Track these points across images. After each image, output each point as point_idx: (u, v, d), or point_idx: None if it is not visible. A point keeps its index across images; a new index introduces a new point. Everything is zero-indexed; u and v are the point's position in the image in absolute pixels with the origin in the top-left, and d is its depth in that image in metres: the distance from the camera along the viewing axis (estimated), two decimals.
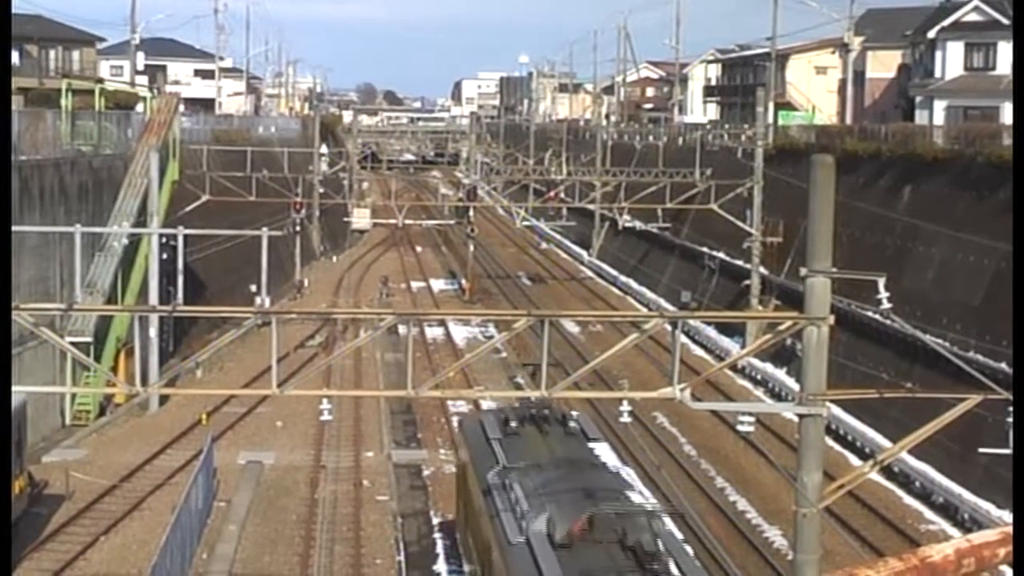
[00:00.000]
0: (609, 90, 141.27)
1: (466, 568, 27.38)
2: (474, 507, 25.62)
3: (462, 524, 28.48)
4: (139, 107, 64.89)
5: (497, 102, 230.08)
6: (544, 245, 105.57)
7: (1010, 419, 17.30)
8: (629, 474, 25.79)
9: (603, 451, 26.45)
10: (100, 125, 55.13)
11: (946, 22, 73.97)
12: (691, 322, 58.66)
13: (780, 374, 52.63)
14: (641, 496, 22.77)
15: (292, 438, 44.34)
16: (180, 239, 49.15)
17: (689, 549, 21.26)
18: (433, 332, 63.91)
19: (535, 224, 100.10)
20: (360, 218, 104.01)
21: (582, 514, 20.19)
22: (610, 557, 19.14)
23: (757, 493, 38.95)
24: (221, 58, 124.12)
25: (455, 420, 37.93)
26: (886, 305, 17.29)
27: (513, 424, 26.48)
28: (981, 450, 32.69)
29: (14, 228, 37.82)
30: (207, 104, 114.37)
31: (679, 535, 21.08)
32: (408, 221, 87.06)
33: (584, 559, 19.43)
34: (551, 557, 19.58)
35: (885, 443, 39.85)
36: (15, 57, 67.72)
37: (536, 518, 20.93)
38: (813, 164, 17.25)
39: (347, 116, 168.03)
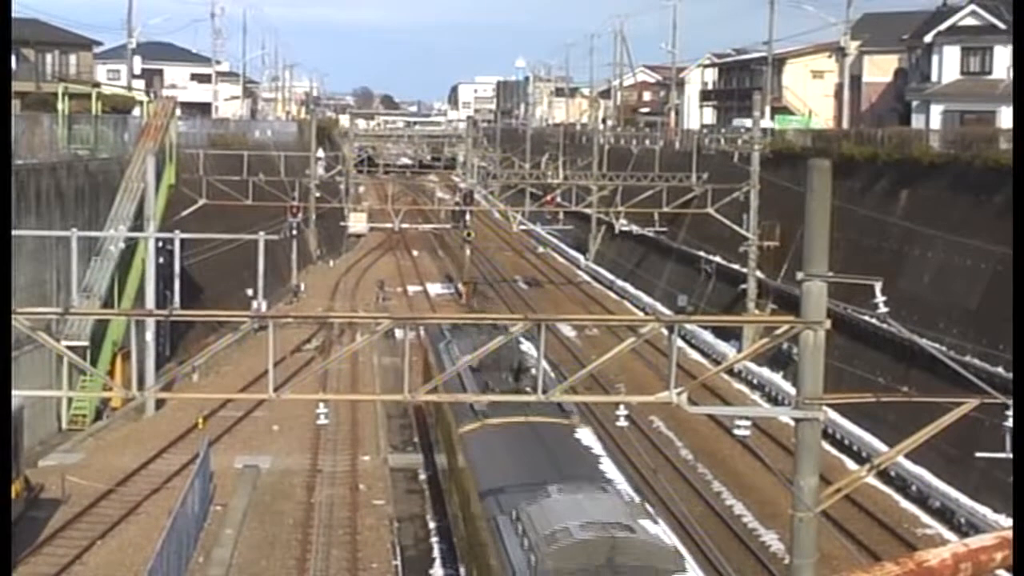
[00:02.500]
0: (606, 94, 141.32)
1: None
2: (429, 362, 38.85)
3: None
4: (136, 111, 64.85)
5: (494, 106, 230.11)
6: (541, 249, 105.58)
7: (1008, 423, 17.31)
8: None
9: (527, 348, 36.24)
10: (97, 129, 55.13)
11: (943, 26, 74.04)
12: (688, 326, 58.61)
13: (777, 378, 52.64)
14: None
15: (289, 442, 44.32)
16: (177, 243, 49.12)
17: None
18: None
19: (532, 228, 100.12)
20: (357, 222, 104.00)
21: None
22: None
23: (754, 497, 38.94)
24: (218, 62, 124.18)
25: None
26: (883, 309, 17.31)
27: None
28: (978, 454, 32.66)
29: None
30: (204, 108, 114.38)
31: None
32: (405, 225, 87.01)
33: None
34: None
35: (882, 447, 39.86)
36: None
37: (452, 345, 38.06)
38: (810, 168, 17.26)
39: (344, 120, 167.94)
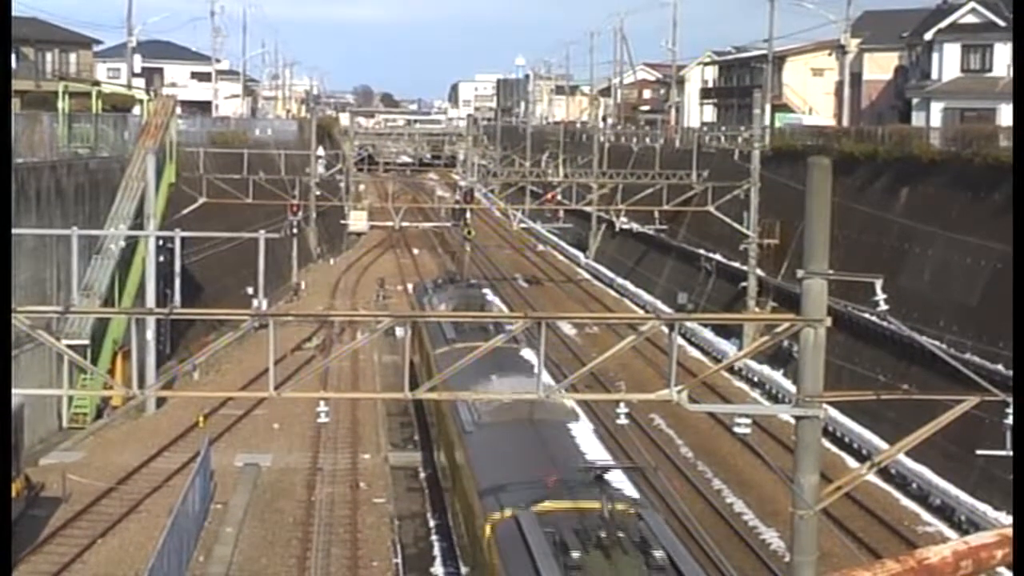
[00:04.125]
0: (606, 92, 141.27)
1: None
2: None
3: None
4: (136, 110, 64.82)
5: (494, 104, 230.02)
6: (541, 247, 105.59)
7: (1008, 420, 17.31)
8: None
9: (491, 297, 49.68)
10: (97, 128, 55.11)
11: (943, 24, 74.03)
12: (688, 324, 58.65)
13: (777, 376, 52.63)
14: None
15: (289, 440, 44.34)
16: (177, 241, 49.10)
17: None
18: None
19: (532, 226, 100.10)
20: (357, 220, 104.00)
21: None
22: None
23: (754, 495, 38.94)
24: (218, 60, 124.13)
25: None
26: (883, 307, 17.30)
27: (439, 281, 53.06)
28: (978, 452, 32.69)
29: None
30: (204, 107, 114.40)
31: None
32: (405, 223, 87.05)
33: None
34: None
35: (882, 445, 39.86)
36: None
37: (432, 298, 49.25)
38: (810, 166, 17.26)
39: (344, 118, 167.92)
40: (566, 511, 20.19)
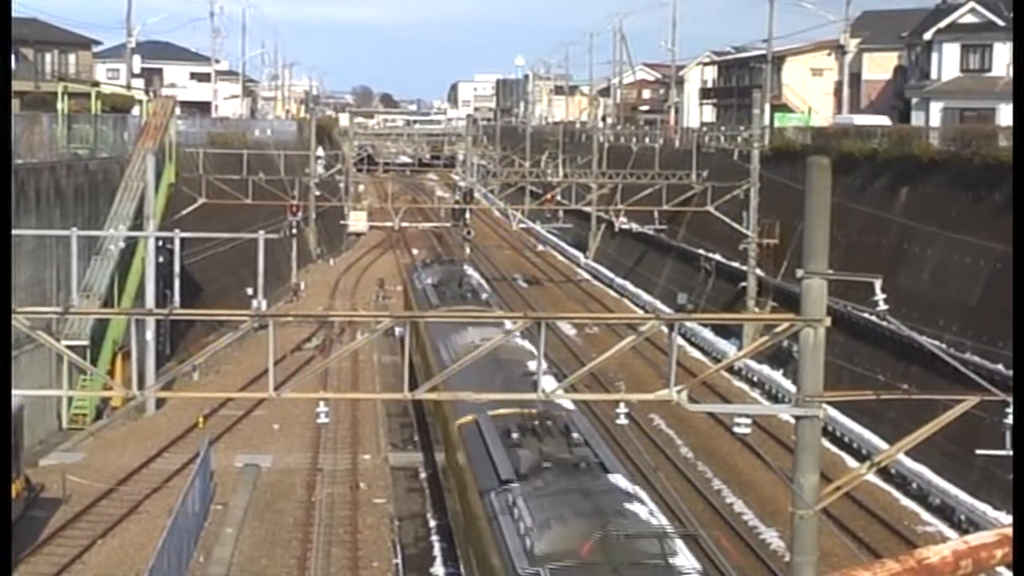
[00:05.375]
0: (605, 92, 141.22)
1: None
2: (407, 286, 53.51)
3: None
4: (135, 110, 64.82)
5: (493, 104, 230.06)
6: (540, 247, 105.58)
7: (1008, 420, 17.31)
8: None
9: (471, 272, 54.56)
10: (96, 128, 55.10)
11: (942, 24, 74.04)
12: (688, 324, 58.64)
13: (777, 376, 52.64)
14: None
15: (289, 441, 44.34)
16: (177, 242, 49.11)
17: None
18: None
19: (532, 226, 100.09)
20: (356, 221, 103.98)
21: None
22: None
23: (754, 495, 38.94)
24: (217, 61, 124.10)
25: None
26: (883, 306, 17.30)
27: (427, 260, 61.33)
28: (978, 451, 32.67)
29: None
30: (203, 107, 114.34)
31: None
32: (404, 224, 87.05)
33: None
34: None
35: (882, 445, 39.86)
36: None
37: (421, 273, 54.39)
38: (809, 166, 17.26)
39: (343, 119, 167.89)
40: (512, 415, 26.41)
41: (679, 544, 20.18)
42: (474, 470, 25.11)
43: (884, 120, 67.46)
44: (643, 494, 22.64)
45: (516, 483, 22.55)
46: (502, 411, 26.53)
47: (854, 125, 64.56)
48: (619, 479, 22.80)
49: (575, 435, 24.77)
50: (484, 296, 48.12)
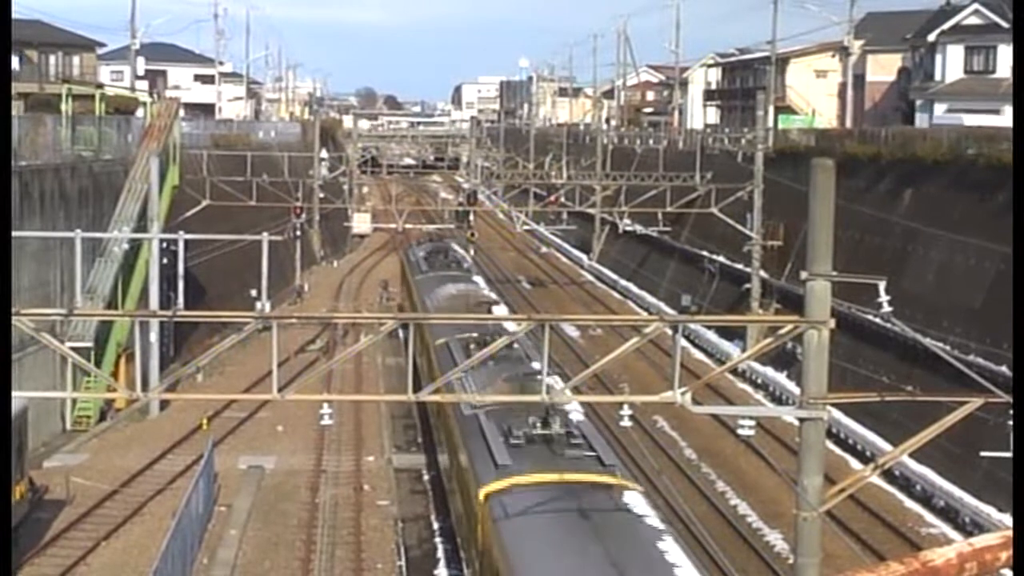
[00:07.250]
0: (609, 94, 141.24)
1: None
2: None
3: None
4: (139, 112, 64.87)
5: (497, 106, 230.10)
6: (544, 249, 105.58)
7: (1011, 422, 17.30)
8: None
9: (454, 247, 63.29)
10: (100, 130, 55.17)
11: (946, 25, 74.04)
12: (691, 326, 58.63)
13: (781, 378, 52.61)
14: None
15: (293, 442, 44.34)
16: (180, 244, 49.17)
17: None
18: None
19: (535, 228, 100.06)
20: (360, 222, 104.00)
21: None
22: None
23: (758, 497, 38.93)
24: (221, 63, 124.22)
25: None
26: (887, 308, 17.28)
27: (421, 241, 68.57)
28: (982, 453, 32.70)
29: (14, 233, 37.81)
30: (207, 109, 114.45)
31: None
32: (408, 225, 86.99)
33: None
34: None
35: (886, 446, 39.82)
36: (15, 62, 67.72)
37: (415, 250, 62.58)
38: (813, 168, 17.25)
39: (347, 121, 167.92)
40: (474, 337, 32.57)
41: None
42: (440, 364, 34.85)
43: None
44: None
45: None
46: (467, 335, 35.39)
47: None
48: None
49: (515, 345, 31.46)
50: (466, 265, 58.09)
